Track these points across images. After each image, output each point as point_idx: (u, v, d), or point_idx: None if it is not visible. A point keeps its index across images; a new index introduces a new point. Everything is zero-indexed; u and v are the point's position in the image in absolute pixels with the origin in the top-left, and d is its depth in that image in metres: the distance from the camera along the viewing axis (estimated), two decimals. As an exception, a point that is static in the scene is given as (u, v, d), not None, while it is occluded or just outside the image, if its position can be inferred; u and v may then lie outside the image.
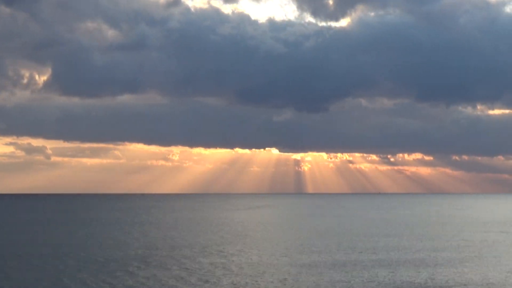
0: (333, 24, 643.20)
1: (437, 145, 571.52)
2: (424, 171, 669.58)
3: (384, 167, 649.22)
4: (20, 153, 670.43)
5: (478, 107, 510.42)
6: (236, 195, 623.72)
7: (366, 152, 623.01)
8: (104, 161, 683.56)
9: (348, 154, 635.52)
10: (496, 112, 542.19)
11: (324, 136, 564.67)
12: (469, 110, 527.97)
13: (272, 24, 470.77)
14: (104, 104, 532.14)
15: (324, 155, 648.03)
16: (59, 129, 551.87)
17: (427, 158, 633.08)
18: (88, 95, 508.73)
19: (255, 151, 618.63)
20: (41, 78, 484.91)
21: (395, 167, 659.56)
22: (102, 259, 60.78)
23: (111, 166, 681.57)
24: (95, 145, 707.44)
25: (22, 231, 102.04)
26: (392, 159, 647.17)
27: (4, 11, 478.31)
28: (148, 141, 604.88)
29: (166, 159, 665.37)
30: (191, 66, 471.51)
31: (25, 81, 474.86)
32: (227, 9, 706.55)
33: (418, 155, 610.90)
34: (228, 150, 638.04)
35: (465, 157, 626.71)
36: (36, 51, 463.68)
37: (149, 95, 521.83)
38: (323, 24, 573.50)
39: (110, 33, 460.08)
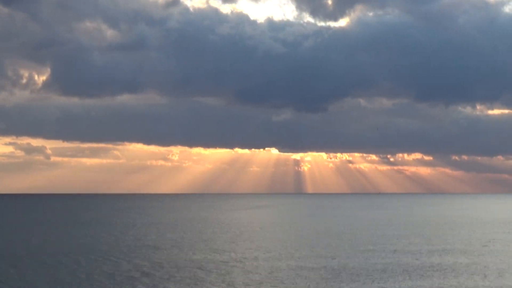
0: (332, 24, 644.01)
1: (437, 145, 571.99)
2: (424, 171, 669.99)
3: (384, 167, 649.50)
4: (19, 153, 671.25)
5: (478, 107, 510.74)
6: (236, 195, 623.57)
7: (366, 152, 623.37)
8: (104, 161, 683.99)
9: (348, 154, 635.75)
10: (496, 112, 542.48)
11: (324, 136, 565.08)
12: (468, 110, 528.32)
13: (271, 24, 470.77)
14: (104, 104, 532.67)
15: (323, 155, 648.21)
16: (59, 129, 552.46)
17: (426, 158, 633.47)
18: (87, 95, 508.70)
19: (254, 151, 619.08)
20: (40, 78, 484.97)
21: (395, 167, 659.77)
22: (102, 259, 60.75)
23: (110, 166, 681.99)
24: (94, 145, 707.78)
25: (21, 232, 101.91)
26: (391, 159, 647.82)
27: (2, 11, 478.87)
28: (148, 141, 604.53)
29: (165, 159, 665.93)
30: (190, 66, 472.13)
31: (24, 81, 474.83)
32: (225, 9, 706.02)
33: (417, 155, 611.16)
34: (228, 150, 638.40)
35: (464, 157, 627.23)
36: (35, 51, 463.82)
37: (149, 95, 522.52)
38: (322, 24, 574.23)
39: (109, 33, 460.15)
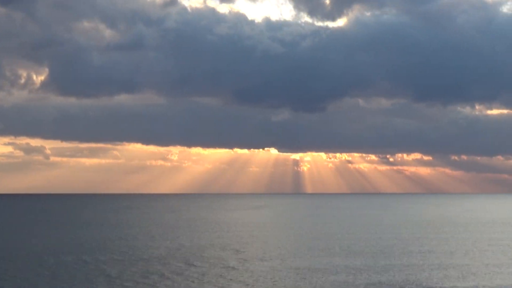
0: (330, 24, 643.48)
1: (436, 145, 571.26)
2: (424, 171, 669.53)
3: (383, 167, 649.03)
4: (18, 153, 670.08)
5: (477, 107, 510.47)
6: (235, 195, 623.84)
7: (365, 152, 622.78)
8: (103, 161, 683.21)
9: (347, 154, 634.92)
10: (495, 112, 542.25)
11: (323, 136, 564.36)
12: (467, 110, 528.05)
13: (268, 24, 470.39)
14: (102, 104, 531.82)
15: (323, 155, 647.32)
16: (57, 129, 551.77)
17: (426, 158, 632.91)
18: (85, 95, 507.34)
19: (253, 151, 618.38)
20: (39, 78, 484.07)
21: (394, 167, 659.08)
22: (102, 259, 60.63)
23: (110, 166, 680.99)
24: (93, 145, 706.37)
25: (20, 232, 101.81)
26: (391, 159, 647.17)
27: (0, 11, 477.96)
28: (147, 141, 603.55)
29: (165, 159, 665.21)
30: (188, 66, 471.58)
31: (22, 81, 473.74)
32: (223, 8, 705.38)
33: (417, 155, 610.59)
34: (227, 150, 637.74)
35: (464, 157, 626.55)
36: (34, 51, 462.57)
37: (147, 95, 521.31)
38: (319, 24, 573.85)
39: (107, 33, 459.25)
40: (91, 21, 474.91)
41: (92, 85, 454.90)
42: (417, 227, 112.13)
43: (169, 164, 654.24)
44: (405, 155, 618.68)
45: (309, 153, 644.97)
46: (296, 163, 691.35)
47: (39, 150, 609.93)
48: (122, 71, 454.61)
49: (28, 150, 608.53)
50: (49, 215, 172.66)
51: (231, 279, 47.98)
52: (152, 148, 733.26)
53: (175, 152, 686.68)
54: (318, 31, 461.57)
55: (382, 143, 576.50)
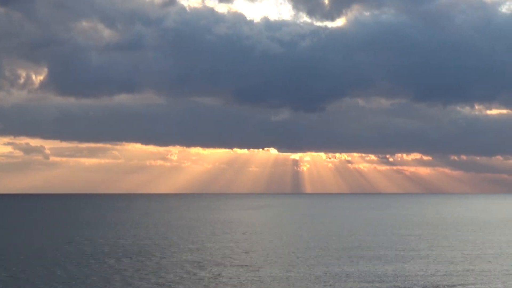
0: (329, 23, 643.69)
1: (436, 145, 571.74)
2: (423, 171, 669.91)
3: (383, 167, 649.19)
4: (18, 153, 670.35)
5: (476, 107, 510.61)
6: (235, 195, 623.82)
7: (365, 152, 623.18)
8: (103, 161, 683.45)
9: (347, 154, 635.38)
10: (494, 112, 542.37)
11: (323, 136, 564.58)
12: (467, 110, 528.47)
13: (267, 23, 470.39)
14: (101, 104, 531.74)
15: (322, 155, 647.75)
16: (57, 129, 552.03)
17: (425, 158, 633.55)
18: (84, 95, 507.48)
19: (253, 151, 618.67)
20: (38, 78, 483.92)
21: (394, 167, 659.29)
22: (101, 259, 60.65)
23: (109, 166, 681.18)
24: (93, 145, 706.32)
25: (20, 232, 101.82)
26: (390, 159, 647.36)
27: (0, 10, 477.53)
28: (146, 141, 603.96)
29: (164, 159, 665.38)
30: (187, 66, 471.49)
31: (21, 81, 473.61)
32: (222, 8, 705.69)
33: (416, 155, 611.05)
34: (227, 150, 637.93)
35: (463, 157, 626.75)
36: (33, 51, 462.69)
37: (146, 95, 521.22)
38: (318, 23, 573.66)
39: (106, 33, 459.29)
40: (90, 21, 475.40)
41: (91, 85, 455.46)
42: (417, 227, 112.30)
43: (168, 164, 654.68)
44: (404, 155, 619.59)
45: (308, 153, 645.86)
46: (296, 163, 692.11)
47: (38, 150, 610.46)
48: (121, 71, 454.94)
49: (28, 150, 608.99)
50: (48, 215, 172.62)
51: (229, 279, 48.12)
52: (151, 148, 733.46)
53: (175, 152, 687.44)
54: (317, 31, 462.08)
55: (381, 143, 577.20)
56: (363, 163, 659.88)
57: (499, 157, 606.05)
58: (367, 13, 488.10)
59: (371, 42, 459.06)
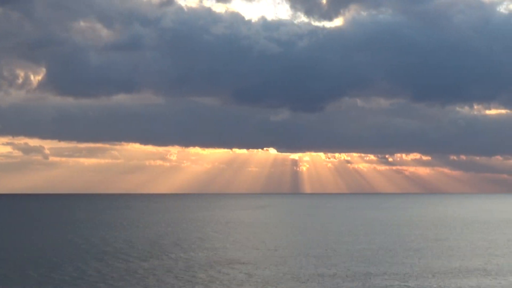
0: (327, 23, 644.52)
1: (435, 145, 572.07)
2: (423, 171, 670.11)
3: (382, 167, 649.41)
4: (17, 153, 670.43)
5: (475, 107, 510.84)
6: (234, 195, 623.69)
7: (364, 152, 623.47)
8: (102, 161, 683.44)
9: (346, 154, 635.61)
10: (493, 112, 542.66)
11: (322, 136, 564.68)
12: (466, 110, 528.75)
13: (265, 23, 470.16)
14: (100, 104, 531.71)
15: (322, 155, 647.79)
16: (56, 129, 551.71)
17: (425, 158, 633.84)
18: (83, 95, 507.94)
19: (252, 151, 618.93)
20: (36, 78, 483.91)
21: (393, 167, 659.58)
22: (100, 259, 60.97)
23: (109, 166, 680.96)
24: (92, 145, 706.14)
25: (19, 232, 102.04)
26: (390, 159, 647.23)
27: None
28: (145, 141, 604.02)
29: (164, 159, 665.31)
30: (185, 66, 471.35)
31: (20, 81, 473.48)
32: (219, 8, 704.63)
33: (416, 155, 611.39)
34: (226, 150, 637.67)
35: (463, 157, 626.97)
36: (31, 51, 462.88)
37: (145, 95, 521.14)
38: (316, 23, 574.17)
39: (104, 33, 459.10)
40: (88, 21, 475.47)
41: (90, 85, 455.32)
42: (419, 228, 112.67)
43: (168, 164, 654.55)
44: (404, 155, 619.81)
45: (308, 153, 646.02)
46: (295, 163, 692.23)
47: (37, 150, 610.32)
48: (120, 71, 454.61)
49: (27, 150, 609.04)
50: (48, 215, 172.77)
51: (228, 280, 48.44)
52: (150, 148, 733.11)
53: (174, 152, 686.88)
54: (315, 31, 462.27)
55: (381, 143, 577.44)
56: (363, 163, 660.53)
57: (498, 157, 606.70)
58: (364, 13, 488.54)
59: (369, 42, 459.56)
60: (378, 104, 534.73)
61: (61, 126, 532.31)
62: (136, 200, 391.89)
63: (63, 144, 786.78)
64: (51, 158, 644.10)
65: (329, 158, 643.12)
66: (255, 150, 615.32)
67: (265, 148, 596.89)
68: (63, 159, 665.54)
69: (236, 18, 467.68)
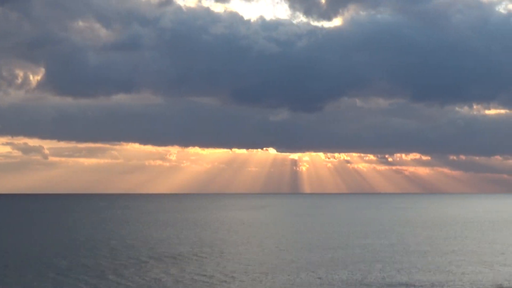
0: (326, 23, 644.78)
1: (434, 145, 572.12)
2: (422, 171, 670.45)
3: (382, 167, 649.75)
4: (17, 153, 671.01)
5: (474, 106, 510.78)
6: (234, 195, 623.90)
7: (364, 152, 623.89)
8: (101, 161, 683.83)
9: (346, 154, 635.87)
10: (492, 112, 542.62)
11: (321, 136, 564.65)
12: (465, 110, 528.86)
13: (264, 23, 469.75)
14: (99, 104, 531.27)
15: (321, 155, 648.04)
16: (55, 129, 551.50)
17: (424, 158, 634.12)
18: (82, 95, 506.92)
19: (252, 151, 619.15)
20: (35, 78, 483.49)
21: (393, 167, 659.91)
22: (99, 260, 60.87)
23: (108, 166, 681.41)
24: (91, 145, 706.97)
25: (19, 232, 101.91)
26: (390, 159, 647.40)
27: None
28: (145, 141, 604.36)
29: (163, 159, 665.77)
30: (184, 66, 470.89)
31: (19, 81, 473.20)
32: (218, 8, 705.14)
33: (415, 155, 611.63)
34: (226, 150, 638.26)
35: (462, 157, 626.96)
36: (30, 51, 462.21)
37: (144, 95, 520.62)
38: (315, 23, 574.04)
39: (103, 33, 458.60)
40: (86, 20, 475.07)
41: (89, 85, 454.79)
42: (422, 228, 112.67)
43: (167, 164, 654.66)
44: (403, 155, 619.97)
45: (307, 153, 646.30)
46: (295, 163, 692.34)
47: (37, 150, 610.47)
48: (119, 71, 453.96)
49: (26, 150, 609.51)
50: (47, 215, 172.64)
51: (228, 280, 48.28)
52: (150, 148, 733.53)
53: (174, 152, 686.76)
54: (314, 31, 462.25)
55: (380, 143, 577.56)
56: (362, 163, 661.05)
57: (498, 157, 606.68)
58: (363, 13, 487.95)
59: (367, 42, 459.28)
60: (377, 104, 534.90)
61: (61, 126, 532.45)
62: (135, 200, 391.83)
63: (62, 144, 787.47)
64: (51, 158, 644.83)
65: (328, 158, 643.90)
66: (254, 150, 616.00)
67: (264, 148, 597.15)
68: (63, 159, 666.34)
69: (235, 18, 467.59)
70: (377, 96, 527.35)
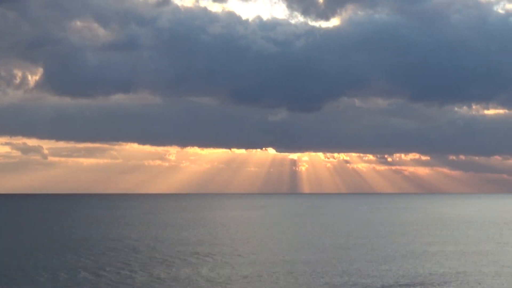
0: (324, 23, 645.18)
1: (434, 145, 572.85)
2: (422, 171, 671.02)
3: (382, 167, 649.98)
4: (16, 153, 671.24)
5: (473, 106, 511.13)
6: (233, 195, 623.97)
7: (363, 152, 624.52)
8: (101, 161, 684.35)
9: (345, 154, 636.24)
10: (491, 112, 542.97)
11: (321, 136, 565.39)
12: (464, 110, 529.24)
13: (262, 23, 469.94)
14: (98, 104, 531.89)
15: (321, 155, 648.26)
16: (54, 129, 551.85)
17: (424, 158, 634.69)
18: (80, 95, 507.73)
19: (251, 151, 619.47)
20: (33, 78, 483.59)
21: (393, 167, 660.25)
22: (99, 260, 60.74)
23: (108, 166, 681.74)
24: (90, 145, 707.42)
25: (19, 232, 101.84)
26: (389, 159, 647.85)
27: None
28: (144, 141, 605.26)
29: (162, 159, 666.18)
30: (182, 66, 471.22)
31: (17, 80, 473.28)
32: (216, 8, 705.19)
33: (415, 155, 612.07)
34: (225, 150, 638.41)
35: (462, 157, 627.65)
36: (28, 51, 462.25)
37: (142, 95, 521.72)
38: (313, 23, 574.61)
39: (101, 33, 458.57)
40: (84, 20, 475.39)
41: (87, 85, 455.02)
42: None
43: (167, 164, 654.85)
44: (403, 155, 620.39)
45: (307, 153, 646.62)
46: (294, 163, 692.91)
47: (36, 150, 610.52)
48: (117, 70, 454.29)
49: (26, 150, 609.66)
50: (46, 215, 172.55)
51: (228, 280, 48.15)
52: (149, 148, 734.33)
53: (173, 152, 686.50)
54: (312, 30, 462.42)
55: (380, 143, 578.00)
56: (362, 163, 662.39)
57: (497, 157, 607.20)
58: (361, 13, 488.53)
59: (366, 41, 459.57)
60: (376, 104, 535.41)
61: (59, 126, 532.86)
62: (135, 200, 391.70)
63: (61, 144, 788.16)
64: (50, 158, 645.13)
65: (328, 158, 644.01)
66: (253, 150, 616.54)
67: (263, 148, 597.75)
68: (62, 159, 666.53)
69: (232, 18, 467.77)
70: (376, 96, 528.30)
